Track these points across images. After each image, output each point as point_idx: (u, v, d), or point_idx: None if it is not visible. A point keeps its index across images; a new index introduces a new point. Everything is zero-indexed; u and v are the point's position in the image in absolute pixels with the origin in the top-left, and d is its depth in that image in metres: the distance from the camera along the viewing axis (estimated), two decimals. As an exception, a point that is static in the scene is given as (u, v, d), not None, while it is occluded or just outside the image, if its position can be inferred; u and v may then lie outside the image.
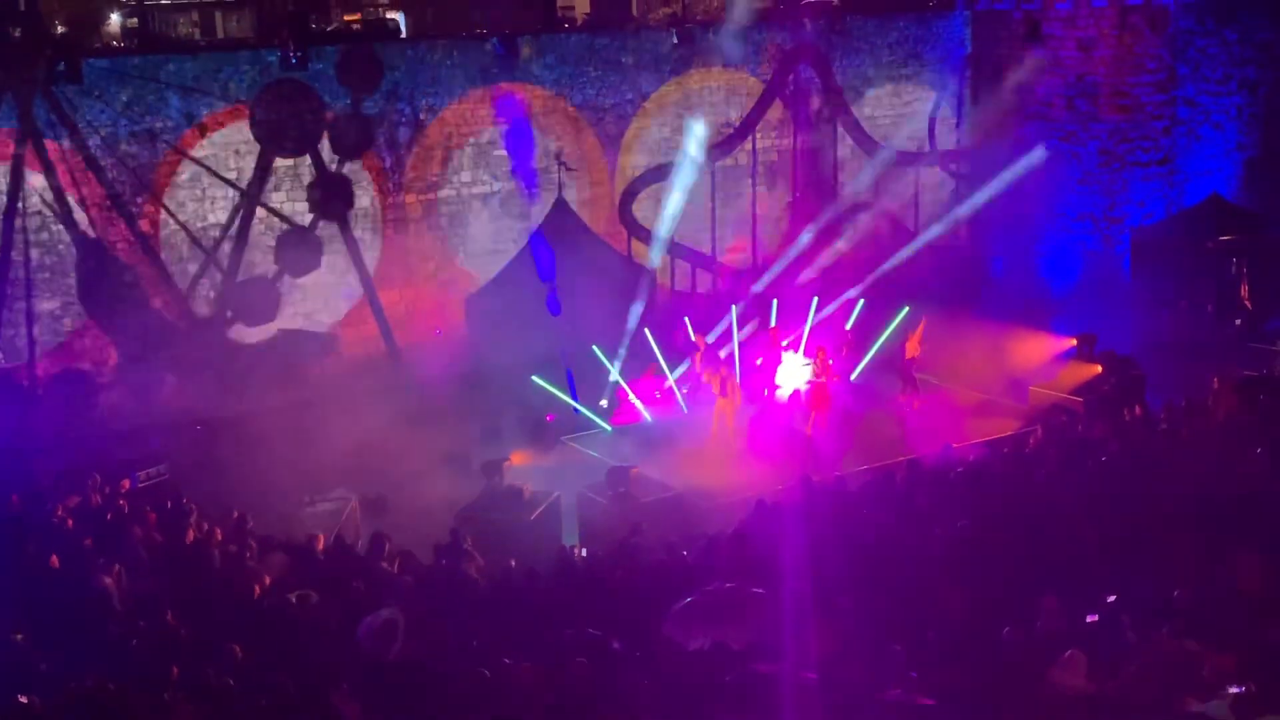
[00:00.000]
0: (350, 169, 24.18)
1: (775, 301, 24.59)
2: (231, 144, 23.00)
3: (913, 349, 22.91)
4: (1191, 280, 26.79)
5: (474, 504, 18.69)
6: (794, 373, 22.83)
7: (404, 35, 26.09)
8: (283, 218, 23.66)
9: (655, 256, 26.50)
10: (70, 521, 17.03)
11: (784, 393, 22.63)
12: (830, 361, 22.43)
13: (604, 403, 22.79)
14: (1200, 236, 27.18)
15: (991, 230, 29.39)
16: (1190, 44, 28.65)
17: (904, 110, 29.32)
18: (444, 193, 25.13)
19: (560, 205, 25.54)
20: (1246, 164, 29.86)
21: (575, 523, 19.04)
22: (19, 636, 12.91)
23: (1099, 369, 22.67)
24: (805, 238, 27.11)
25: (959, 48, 29.81)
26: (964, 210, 28.89)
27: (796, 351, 23.30)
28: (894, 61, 29.11)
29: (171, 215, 22.69)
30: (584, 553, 17.13)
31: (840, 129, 28.62)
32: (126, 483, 18.98)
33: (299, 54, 22.92)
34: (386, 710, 10.72)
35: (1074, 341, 23.88)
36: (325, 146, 23.84)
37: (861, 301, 24.46)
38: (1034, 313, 26.42)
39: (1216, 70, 29.19)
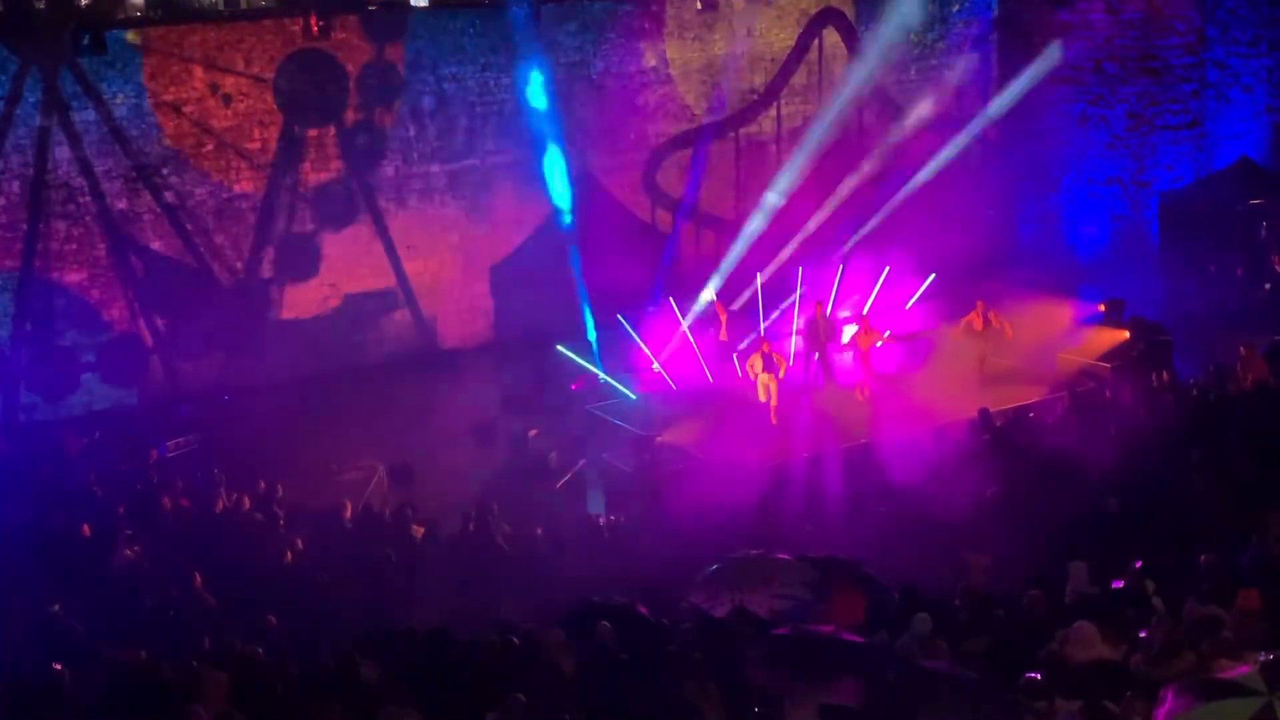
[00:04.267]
0: (374, 139, 24.14)
1: (800, 270, 24.47)
2: (255, 114, 22.99)
3: (977, 323, 22.45)
4: (1221, 244, 26.52)
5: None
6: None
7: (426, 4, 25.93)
8: (306, 188, 23.66)
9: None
10: (100, 491, 17.20)
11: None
12: (871, 329, 22.20)
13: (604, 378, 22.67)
14: (1229, 200, 26.89)
15: (1018, 195, 29.17)
16: (1220, 5, 28.25)
17: (930, 75, 29.04)
18: (468, 162, 25.07)
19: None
20: (1276, 127, 29.47)
21: (601, 491, 19.07)
22: (56, 608, 13.04)
23: (1127, 334, 22.50)
24: (830, 206, 26.87)
25: (986, 11, 29.50)
26: (990, 174, 28.66)
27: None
28: (920, 26, 28.81)
29: (197, 187, 22.71)
30: (609, 520, 17.20)
31: (865, 94, 28.36)
32: (155, 452, 19.14)
33: (322, 24, 22.90)
34: (414, 678, 10.78)
35: (1102, 307, 23.70)
36: (349, 116, 23.82)
37: (887, 269, 24.31)
38: (1061, 278, 26.23)
39: (1246, 32, 28.79)
